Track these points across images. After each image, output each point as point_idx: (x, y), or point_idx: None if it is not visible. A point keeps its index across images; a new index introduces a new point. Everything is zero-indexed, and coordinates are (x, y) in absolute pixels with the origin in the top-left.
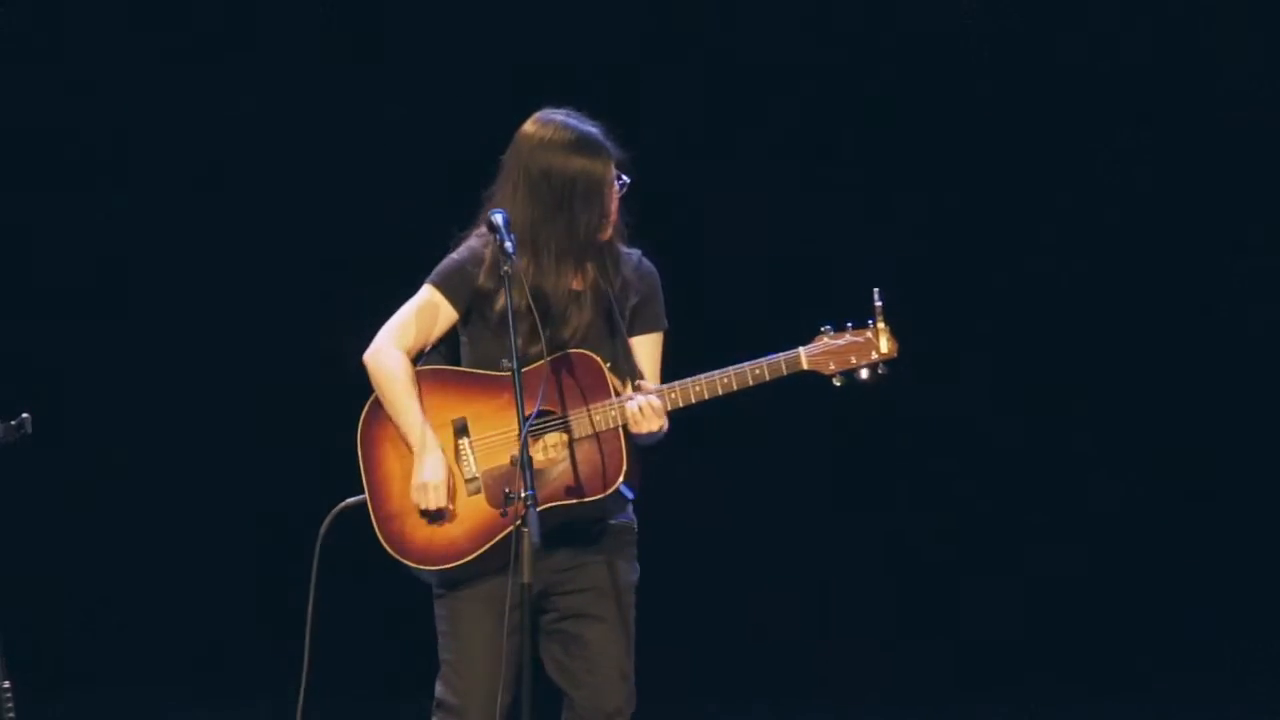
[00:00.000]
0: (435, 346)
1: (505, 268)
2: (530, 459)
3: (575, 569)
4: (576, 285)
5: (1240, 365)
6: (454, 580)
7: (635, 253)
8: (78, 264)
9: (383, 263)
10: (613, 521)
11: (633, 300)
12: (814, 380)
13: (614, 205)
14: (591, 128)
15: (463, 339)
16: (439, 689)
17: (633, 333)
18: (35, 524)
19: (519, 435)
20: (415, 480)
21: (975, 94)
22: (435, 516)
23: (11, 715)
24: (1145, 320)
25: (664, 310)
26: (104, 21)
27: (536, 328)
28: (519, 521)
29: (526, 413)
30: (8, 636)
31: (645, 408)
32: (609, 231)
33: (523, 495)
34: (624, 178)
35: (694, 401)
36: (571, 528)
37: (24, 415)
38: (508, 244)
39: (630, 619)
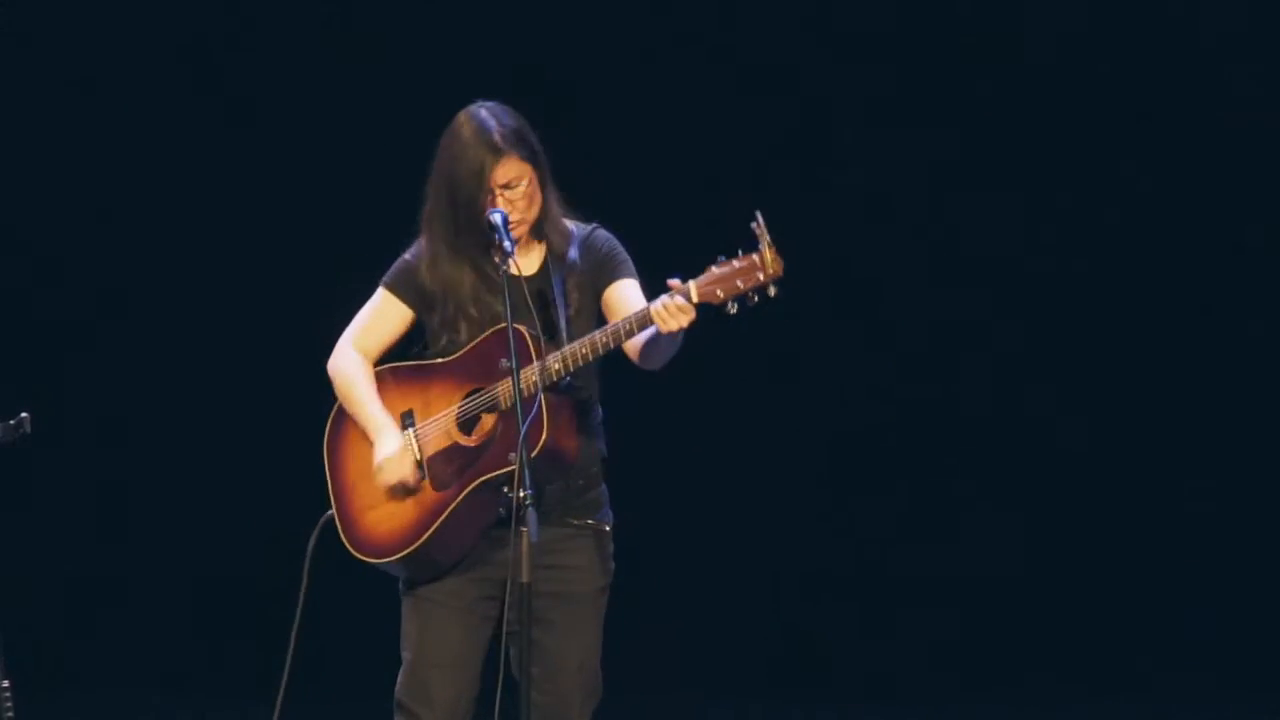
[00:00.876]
0: (403, 344)
1: (504, 267)
2: (527, 458)
3: (544, 569)
4: (527, 271)
5: (1239, 366)
6: (422, 576)
7: (588, 227)
8: (78, 264)
9: (381, 264)
10: (590, 521)
11: (579, 275)
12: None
13: (508, 205)
14: (492, 123)
15: (425, 326)
16: (398, 688)
17: (601, 291)
18: (35, 524)
19: (517, 431)
20: (374, 462)
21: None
22: (396, 496)
23: (11, 715)
24: (1146, 316)
25: (627, 264)
26: (104, 21)
27: (465, 318)
28: (518, 521)
29: (454, 400)
30: (8, 636)
31: (668, 305)
32: (514, 228)
33: (521, 495)
34: (530, 180)
35: (601, 351)
36: (544, 520)
37: (23, 415)
38: (506, 243)
39: (594, 624)
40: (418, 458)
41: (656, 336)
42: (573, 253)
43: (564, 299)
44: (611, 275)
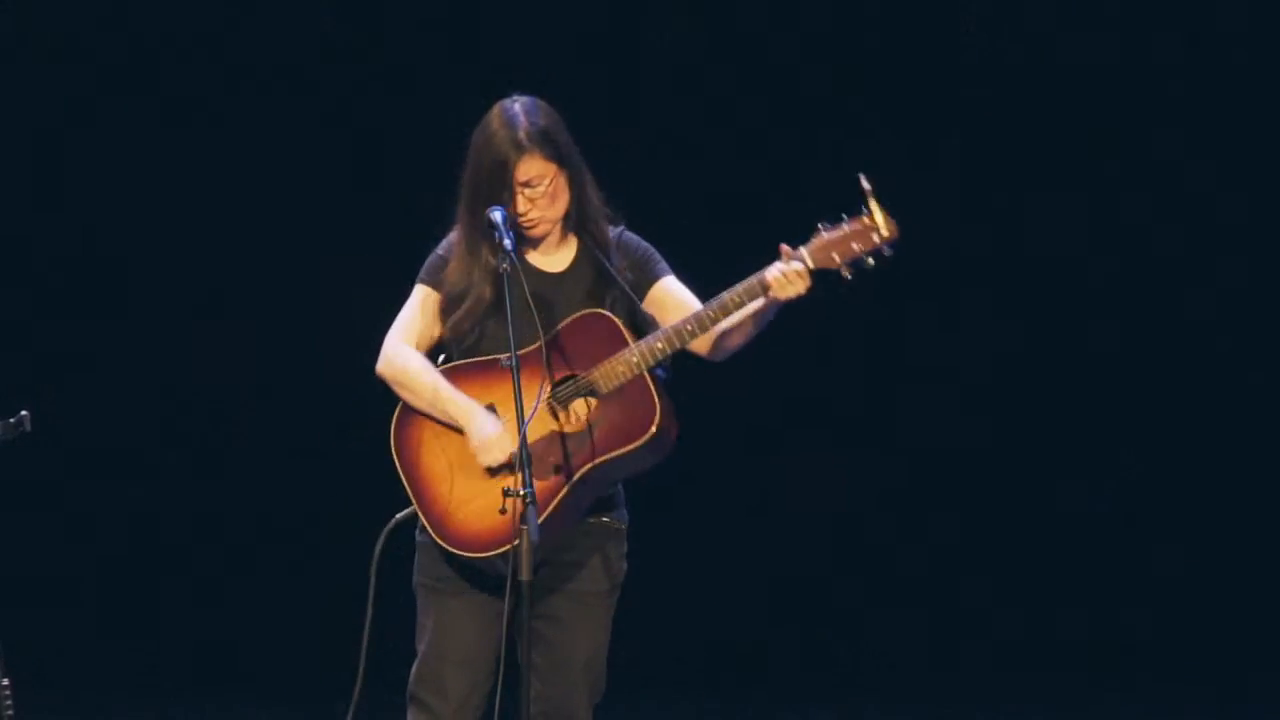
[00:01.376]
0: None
1: (504, 265)
2: (530, 456)
3: (555, 567)
4: (556, 268)
5: (1240, 365)
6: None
7: (615, 230)
8: (78, 263)
9: (393, 263)
10: (604, 519)
11: (624, 277)
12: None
13: (524, 206)
14: (521, 119)
15: (448, 323)
16: (411, 680)
17: (643, 295)
18: (35, 524)
19: (517, 429)
20: (473, 444)
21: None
22: (492, 488)
23: (10, 714)
24: (1144, 320)
25: (661, 261)
26: (105, 22)
27: (527, 309)
28: (519, 520)
29: (538, 390)
30: (8, 636)
31: (787, 272)
32: (529, 232)
33: (522, 492)
34: (556, 177)
35: (736, 311)
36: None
37: (23, 413)
38: (506, 241)
39: (602, 622)
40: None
41: (752, 316)
42: (508, 245)
43: (604, 295)
44: (654, 273)
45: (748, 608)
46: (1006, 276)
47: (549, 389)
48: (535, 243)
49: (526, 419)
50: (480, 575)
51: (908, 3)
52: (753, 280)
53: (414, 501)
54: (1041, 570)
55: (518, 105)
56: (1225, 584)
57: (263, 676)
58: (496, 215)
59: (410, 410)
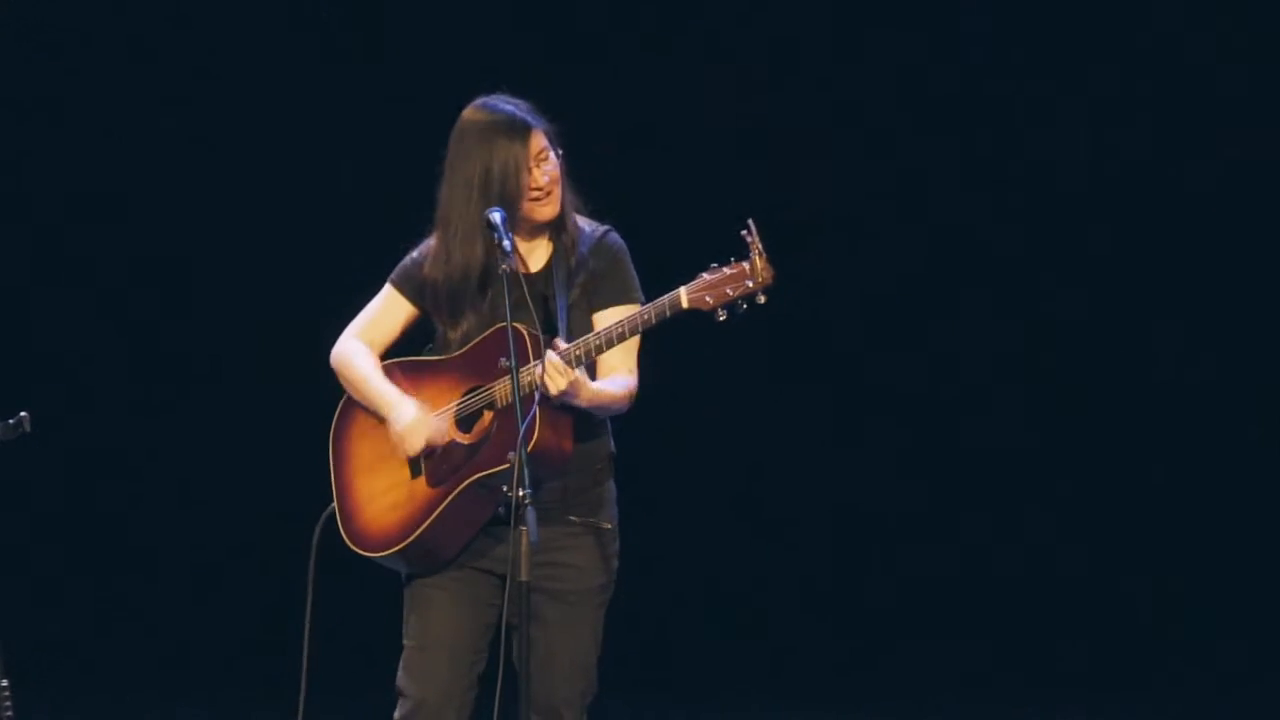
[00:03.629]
0: (404, 344)
1: (504, 266)
2: (526, 457)
3: (544, 567)
4: (533, 268)
5: (1239, 366)
6: (418, 570)
7: (601, 229)
8: (78, 263)
9: (382, 264)
10: (592, 519)
11: (581, 277)
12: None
13: (543, 178)
14: (509, 107)
15: (435, 324)
16: (399, 676)
17: (594, 308)
18: (35, 524)
19: (518, 426)
20: (394, 431)
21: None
22: (393, 492)
23: (10, 714)
24: (1138, 321)
25: (631, 284)
26: (106, 22)
27: (468, 310)
28: (517, 521)
29: (450, 397)
30: (8, 636)
31: (548, 367)
32: (541, 210)
33: (521, 494)
34: (553, 152)
35: (594, 355)
36: (547, 517)
37: (23, 414)
38: (505, 243)
39: (590, 623)
40: (414, 454)
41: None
42: (582, 249)
43: (565, 297)
44: (615, 296)
45: (748, 608)
46: (1006, 276)
47: (458, 397)
48: (520, 236)
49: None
50: (467, 571)
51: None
52: (667, 298)
53: (334, 497)
54: (1043, 570)
55: (490, 100)
56: (1225, 584)
57: (263, 677)
58: (496, 216)
59: (349, 405)
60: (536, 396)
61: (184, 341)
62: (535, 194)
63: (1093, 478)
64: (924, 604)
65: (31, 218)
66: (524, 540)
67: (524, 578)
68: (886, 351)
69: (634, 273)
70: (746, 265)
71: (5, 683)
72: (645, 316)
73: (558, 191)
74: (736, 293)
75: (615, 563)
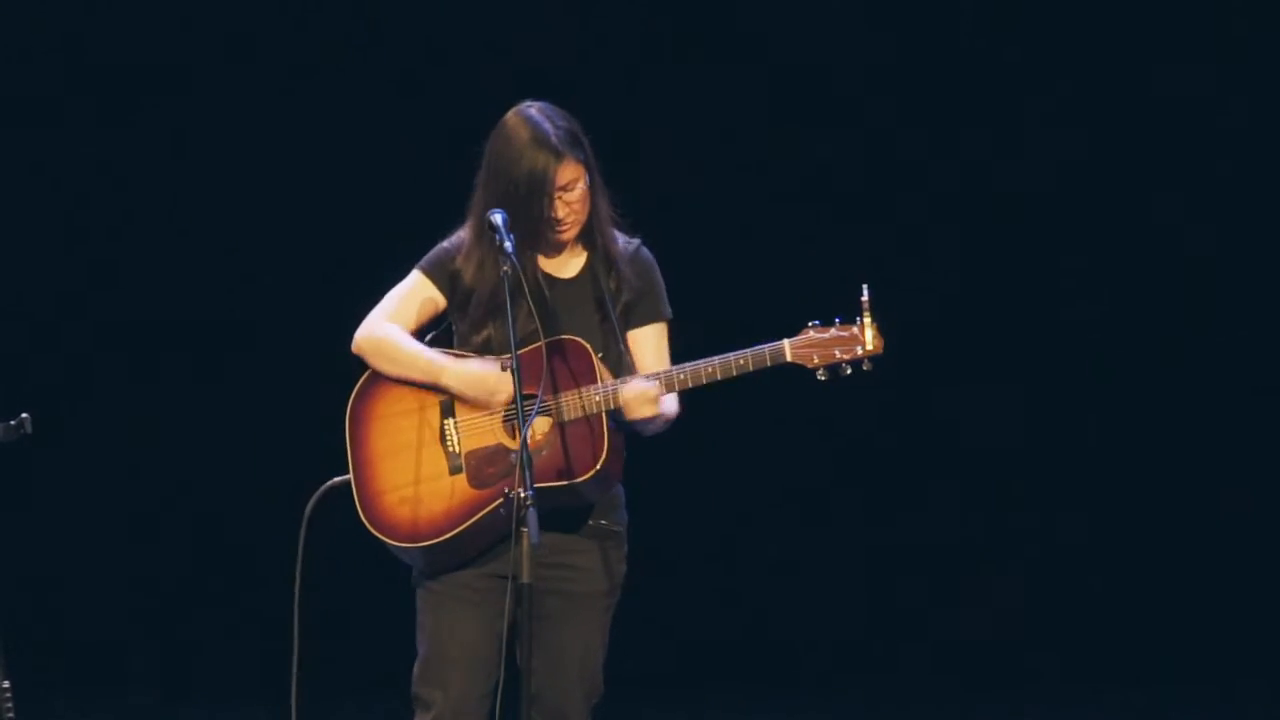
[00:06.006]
0: (426, 333)
1: (504, 267)
2: (530, 457)
3: (554, 569)
4: (566, 274)
5: (1238, 365)
6: (435, 568)
7: (634, 242)
8: (78, 263)
9: (388, 260)
10: (603, 522)
11: (626, 295)
12: (804, 378)
13: (563, 211)
14: (547, 126)
15: (454, 325)
16: (414, 682)
17: (631, 325)
18: (35, 524)
19: (518, 429)
20: (484, 386)
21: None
22: (427, 482)
23: (11, 715)
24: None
25: (664, 300)
26: (107, 23)
27: (529, 315)
28: (518, 521)
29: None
30: (8, 636)
31: (640, 395)
32: (562, 237)
33: (523, 494)
34: (584, 181)
35: (678, 389)
36: (557, 519)
37: (24, 415)
38: (507, 244)
39: (599, 624)
40: (457, 450)
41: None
42: (622, 264)
43: (613, 305)
44: (649, 314)
45: (747, 608)
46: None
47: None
48: (549, 248)
49: (527, 422)
50: (479, 575)
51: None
52: (769, 348)
53: (350, 472)
54: (1042, 572)
55: (537, 110)
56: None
57: (262, 678)
58: (497, 218)
59: (371, 384)
60: (605, 419)
61: (180, 340)
62: (554, 224)
63: (1090, 478)
64: (925, 604)
65: (33, 217)
66: (525, 541)
67: (525, 579)
68: (890, 349)
69: (664, 287)
70: (857, 330)
71: (7, 683)
72: (741, 361)
73: (582, 219)
74: (845, 356)
75: (624, 566)
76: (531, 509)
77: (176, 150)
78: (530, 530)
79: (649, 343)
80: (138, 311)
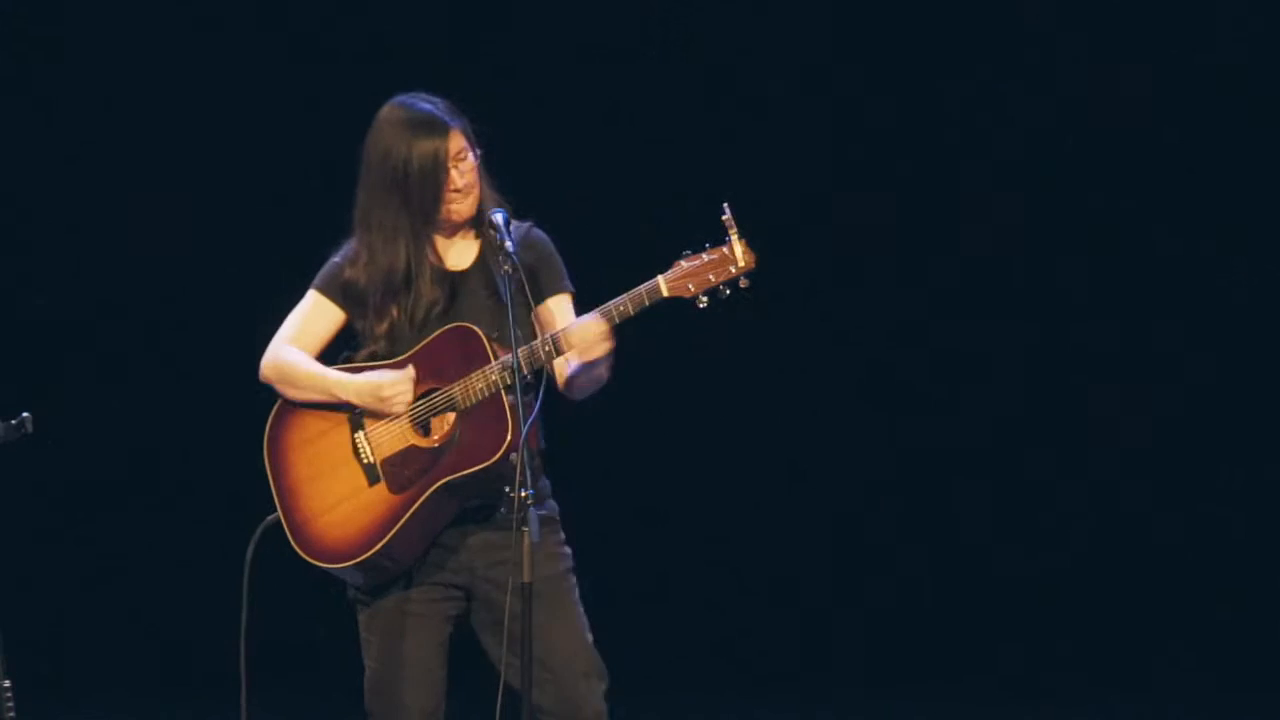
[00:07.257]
0: (331, 351)
1: (505, 267)
2: (530, 457)
3: (501, 565)
4: (449, 265)
5: (1238, 364)
6: (377, 581)
7: (524, 224)
8: (77, 263)
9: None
10: (540, 512)
11: (520, 274)
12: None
13: (460, 180)
14: (428, 106)
15: (357, 327)
16: (367, 698)
17: (538, 301)
18: (35, 524)
19: (518, 431)
20: (377, 395)
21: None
22: (350, 499)
23: (12, 714)
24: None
25: (564, 274)
26: (108, 23)
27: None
28: (519, 521)
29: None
30: (8, 636)
31: (594, 334)
32: (459, 208)
33: (523, 495)
34: (471, 152)
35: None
36: (484, 516)
37: (24, 415)
38: (508, 244)
39: (571, 605)
40: (371, 460)
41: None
42: (510, 246)
43: (505, 286)
44: (550, 287)
45: (747, 609)
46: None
47: (413, 402)
48: (445, 231)
49: (430, 415)
50: (423, 587)
51: None
52: (645, 287)
53: (277, 507)
54: (1042, 573)
55: (407, 97)
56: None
57: (263, 679)
58: (498, 217)
59: (284, 413)
60: (505, 396)
61: (179, 340)
62: (453, 194)
63: (1092, 477)
64: (925, 605)
65: (31, 217)
66: (525, 541)
67: (526, 579)
68: (890, 349)
69: (562, 262)
70: (726, 250)
71: (7, 683)
72: (622, 308)
73: (475, 191)
74: (719, 278)
75: (567, 549)
76: (532, 509)
77: (183, 152)
78: (531, 530)
79: (558, 313)
80: (140, 309)
